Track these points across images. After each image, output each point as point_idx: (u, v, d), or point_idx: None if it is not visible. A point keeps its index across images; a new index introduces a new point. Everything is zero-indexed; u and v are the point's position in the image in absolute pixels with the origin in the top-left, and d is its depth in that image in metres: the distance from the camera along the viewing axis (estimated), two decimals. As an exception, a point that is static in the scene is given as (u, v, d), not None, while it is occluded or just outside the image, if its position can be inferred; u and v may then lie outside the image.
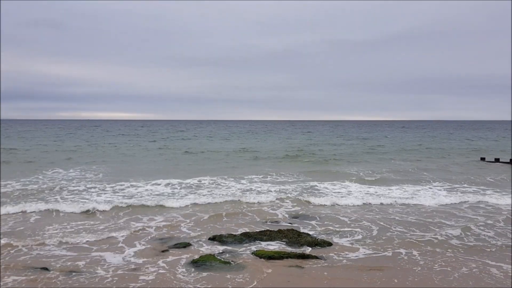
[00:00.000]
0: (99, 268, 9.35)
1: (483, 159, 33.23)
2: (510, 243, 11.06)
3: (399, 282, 8.62)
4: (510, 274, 9.04)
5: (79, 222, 13.31)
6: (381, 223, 13.54)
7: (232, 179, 22.06)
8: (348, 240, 11.63)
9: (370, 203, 16.64)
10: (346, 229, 12.83)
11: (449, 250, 10.77)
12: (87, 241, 11.34)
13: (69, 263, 9.60)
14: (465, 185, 21.15)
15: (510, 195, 17.72)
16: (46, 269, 9.15)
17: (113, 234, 11.93)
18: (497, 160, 31.57)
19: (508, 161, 30.42)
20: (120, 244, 11.08)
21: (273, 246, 11.00)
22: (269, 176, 23.41)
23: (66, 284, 8.38)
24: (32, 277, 8.70)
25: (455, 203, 16.78)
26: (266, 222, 13.70)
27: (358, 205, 16.34)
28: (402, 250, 10.69)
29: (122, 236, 11.82)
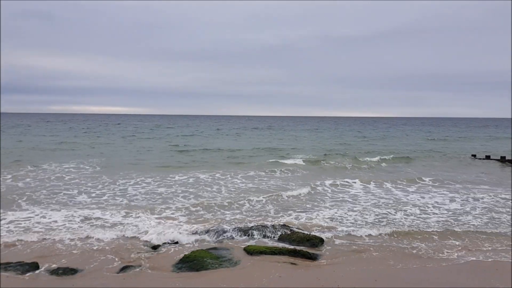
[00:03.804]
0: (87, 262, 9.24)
1: (474, 156, 33.49)
2: (510, 243, 11.03)
3: (392, 279, 8.63)
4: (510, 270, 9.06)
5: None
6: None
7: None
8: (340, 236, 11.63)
9: None
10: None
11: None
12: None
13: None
14: None
15: (510, 194, 17.77)
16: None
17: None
18: (487, 157, 31.73)
19: (499, 158, 30.64)
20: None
21: (266, 241, 10.94)
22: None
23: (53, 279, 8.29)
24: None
25: None
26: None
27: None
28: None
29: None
